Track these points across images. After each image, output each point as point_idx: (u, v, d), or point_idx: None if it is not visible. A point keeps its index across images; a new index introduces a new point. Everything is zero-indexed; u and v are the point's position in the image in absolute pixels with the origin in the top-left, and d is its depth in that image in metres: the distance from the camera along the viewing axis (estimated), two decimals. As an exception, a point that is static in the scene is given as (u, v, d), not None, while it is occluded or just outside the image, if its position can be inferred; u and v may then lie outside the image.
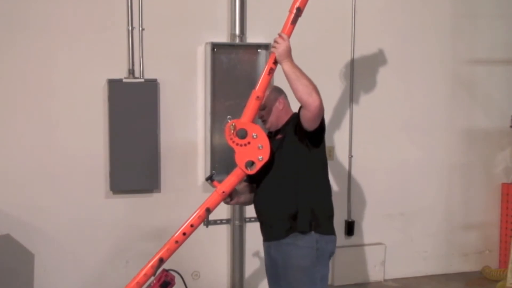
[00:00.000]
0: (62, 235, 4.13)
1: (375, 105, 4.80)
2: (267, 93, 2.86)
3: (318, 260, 2.80)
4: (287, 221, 2.79)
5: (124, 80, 4.11)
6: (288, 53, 2.72)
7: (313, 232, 2.79)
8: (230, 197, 2.90)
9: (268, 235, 2.93)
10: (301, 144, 2.78)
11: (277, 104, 2.90)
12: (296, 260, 2.79)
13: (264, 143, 2.74)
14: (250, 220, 4.49)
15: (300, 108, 2.71)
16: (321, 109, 2.63)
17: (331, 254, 2.89)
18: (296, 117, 2.78)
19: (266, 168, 2.81)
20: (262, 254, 4.46)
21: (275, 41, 2.75)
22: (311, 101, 2.59)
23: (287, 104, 2.95)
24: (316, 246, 2.78)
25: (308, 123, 2.69)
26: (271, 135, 2.96)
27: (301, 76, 2.65)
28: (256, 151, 2.74)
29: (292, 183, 2.80)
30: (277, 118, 2.91)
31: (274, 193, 2.85)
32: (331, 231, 2.87)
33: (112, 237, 4.25)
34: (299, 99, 2.65)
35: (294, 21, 2.79)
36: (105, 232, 4.22)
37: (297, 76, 2.65)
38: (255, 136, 2.74)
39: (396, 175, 4.94)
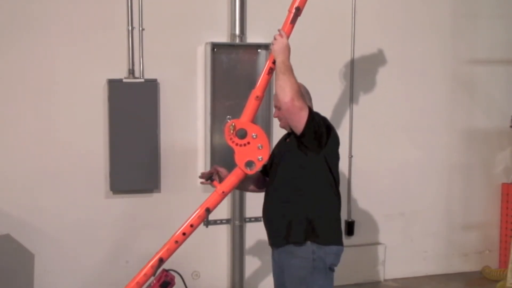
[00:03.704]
0: (62, 235, 4.13)
1: (375, 105, 4.80)
2: None
3: (315, 271, 2.71)
4: (283, 228, 2.75)
5: (124, 80, 4.12)
6: (284, 50, 2.69)
7: (309, 242, 2.70)
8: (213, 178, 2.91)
9: (269, 240, 2.90)
10: (299, 151, 2.72)
11: None
12: (294, 270, 2.74)
13: (263, 143, 2.74)
14: (250, 220, 4.49)
15: None
16: (290, 107, 2.56)
17: (332, 265, 2.78)
18: None
19: (273, 170, 2.82)
20: (262, 254, 4.51)
21: (274, 38, 2.75)
22: (282, 96, 2.59)
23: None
24: (312, 256, 2.70)
25: (291, 124, 2.67)
26: (286, 137, 2.93)
27: (284, 72, 2.62)
28: (255, 151, 2.74)
29: (286, 190, 2.76)
30: None
31: (272, 198, 2.84)
32: (332, 242, 2.77)
33: (112, 237, 4.25)
34: (275, 93, 2.66)
35: (293, 21, 2.79)
36: (105, 232, 4.22)
37: (280, 71, 2.63)
38: (254, 136, 2.74)
39: (396, 175, 4.94)
